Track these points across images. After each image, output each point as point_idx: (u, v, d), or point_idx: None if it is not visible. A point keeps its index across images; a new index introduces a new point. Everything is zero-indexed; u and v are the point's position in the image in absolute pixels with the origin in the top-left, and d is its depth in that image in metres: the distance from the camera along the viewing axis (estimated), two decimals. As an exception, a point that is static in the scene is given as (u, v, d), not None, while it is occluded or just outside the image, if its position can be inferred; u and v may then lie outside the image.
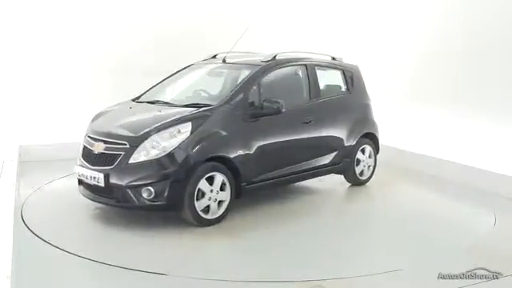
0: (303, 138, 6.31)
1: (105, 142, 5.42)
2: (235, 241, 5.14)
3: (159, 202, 5.12)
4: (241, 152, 5.58)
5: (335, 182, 7.15)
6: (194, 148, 5.25)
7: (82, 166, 5.53)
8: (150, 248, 4.93)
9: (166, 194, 5.10)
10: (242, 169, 5.56)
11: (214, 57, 6.83)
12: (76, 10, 8.77)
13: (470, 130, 7.69)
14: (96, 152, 5.42)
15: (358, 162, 7.03)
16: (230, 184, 5.47)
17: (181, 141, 5.22)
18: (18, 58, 8.49)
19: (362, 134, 7.01)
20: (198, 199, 5.25)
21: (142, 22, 9.20)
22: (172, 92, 6.54)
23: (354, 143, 6.90)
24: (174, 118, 5.40)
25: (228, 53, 6.60)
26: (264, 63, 6.20)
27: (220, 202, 5.43)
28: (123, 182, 5.13)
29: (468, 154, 7.48)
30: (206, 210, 5.34)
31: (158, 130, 5.26)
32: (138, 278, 4.21)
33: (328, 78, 6.96)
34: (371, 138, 7.20)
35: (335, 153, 6.69)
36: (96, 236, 5.29)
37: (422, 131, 8.57)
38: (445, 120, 8.24)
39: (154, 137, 5.22)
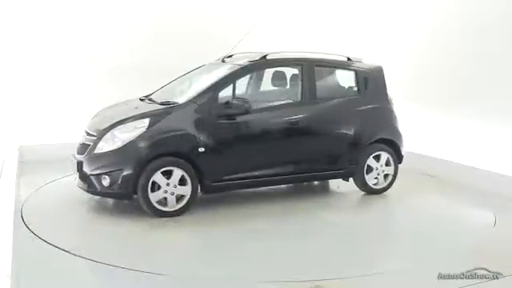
0: (287, 140, 6.12)
1: (87, 133, 5.93)
2: (237, 241, 5.15)
3: (114, 190, 5.53)
4: (202, 149, 5.63)
5: (351, 188, 6.74)
6: (148, 142, 5.54)
7: (74, 156, 5.91)
8: (151, 248, 4.94)
9: (119, 183, 5.46)
10: (203, 166, 5.65)
11: (230, 57, 6.70)
12: (76, 9, 8.75)
13: (470, 130, 7.68)
14: (81, 142, 5.93)
15: (370, 169, 6.56)
16: (192, 180, 5.57)
17: (136, 135, 5.53)
18: (18, 59, 8.47)
19: (374, 140, 6.54)
20: (153, 191, 5.47)
21: (144, 22, 9.16)
22: (175, 91, 6.50)
23: (362, 149, 6.48)
24: (135, 113, 5.76)
25: (243, 53, 6.55)
26: (248, 63, 6.18)
27: (180, 196, 5.58)
28: (88, 170, 5.63)
29: (468, 154, 7.48)
30: (164, 202, 5.54)
31: (118, 124, 5.67)
32: (137, 278, 4.21)
33: (334, 79, 6.75)
34: (390, 145, 6.65)
35: (336, 157, 6.39)
36: (96, 236, 5.29)
37: (421, 131, 8.56)
38: (444, 120, 8.23)
39: (114, 130, 5.63)
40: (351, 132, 6.45)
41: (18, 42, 8.48)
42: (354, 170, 6.51)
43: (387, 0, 9.67)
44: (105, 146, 5.59)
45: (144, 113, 5.76)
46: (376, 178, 6.62)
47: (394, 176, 6.72)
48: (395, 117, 6.79)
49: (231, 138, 5.88)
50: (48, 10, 8.59)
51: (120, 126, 5.64)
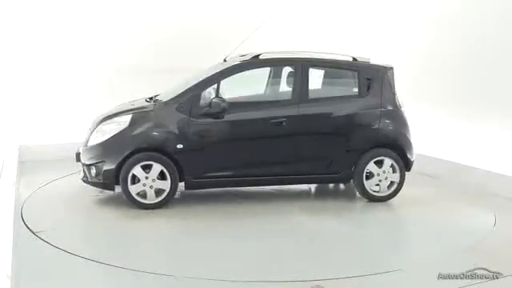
0: (271, 141, 6.01)
1: (89, 128, 6.22)
2: (238, 242, 5.14)
3: (100, 181, 5.87)
4: (181, 147, 5.79)
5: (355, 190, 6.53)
6: (128, 137, 5.81)
7: (79, 148, 6.23)
8: (153, 248, 4.95)
9: (102, 174, 5.80)
10: (183, 163, 5.81)
11: (243, 56, 6.56)
12: (76, 9, 8.76)
13: (470, 130, 7.68)
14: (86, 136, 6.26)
15: (371, 175, 6.24)
16: (171, 175, 5.74)
17: (119, 130, 5.84)
18: (18, 59, 8.48)
19: (376, 145, 6.21)
20: (133, 183, 5.73)
21: (144, 21, 9.16)
22: (176, 90, 6.50)
23: (360, 153, 6.16)
24: (120, 110, 6.11)
25: (254, 53, 6.54)
26: (235, 64, 6.18)
27: (160, 190, 5.78)
28: (82, 160, 6.04)
29: (468, 154, 7.47)
30: (144, 194, 5.77)
31: (107, 119, 6.03)
32: (137, 278, 4.21)
33: (332, 80, 6.65)
34: (395, 150, 6.26)
35: (328, 160, 6.15)
36: (96, 236, 5.31)
37: (420, 131, 8.53)
38: (444, 121, 8.22)
39: (102, 125, 6.00)
40: (346, 135, 6.21)
41: (19, 43, 8.49)
42: (350, 175, 6.24)
43: (394, 1, 9.66)
44: (94, 139, 5.97)
45: (129, 109, 6.06)
46: (378, 184, 6.26)
47: (400, 184, 6.28)
48: (403, 120, 6.39)
49: (211, 137, 5.95)
50: (49, 11, 8.60)
51: (107, 121, 5.98)
